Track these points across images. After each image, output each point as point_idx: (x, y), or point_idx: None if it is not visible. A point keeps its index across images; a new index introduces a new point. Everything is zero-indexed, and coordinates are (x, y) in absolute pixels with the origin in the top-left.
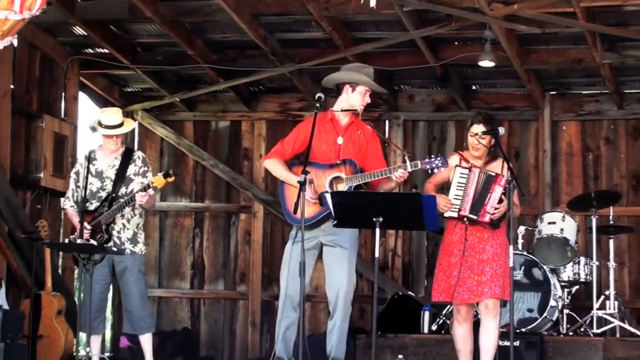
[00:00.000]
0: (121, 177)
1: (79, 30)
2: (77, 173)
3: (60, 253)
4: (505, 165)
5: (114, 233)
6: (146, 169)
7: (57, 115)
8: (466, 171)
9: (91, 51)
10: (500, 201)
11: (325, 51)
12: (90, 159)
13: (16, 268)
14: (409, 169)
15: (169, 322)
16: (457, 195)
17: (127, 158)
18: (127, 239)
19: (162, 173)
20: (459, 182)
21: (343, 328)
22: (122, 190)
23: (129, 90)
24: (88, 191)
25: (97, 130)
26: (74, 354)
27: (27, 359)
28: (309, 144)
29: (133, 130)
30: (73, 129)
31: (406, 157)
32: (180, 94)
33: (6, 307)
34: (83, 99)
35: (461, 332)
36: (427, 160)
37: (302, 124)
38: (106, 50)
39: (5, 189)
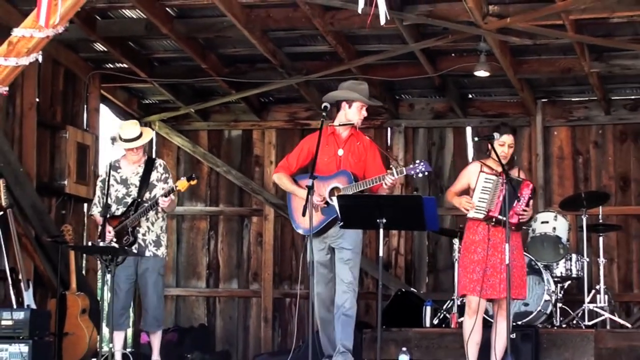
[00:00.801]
0: (145, 183)
1: (99, 47)
2: (103, 181)
3: (84, 255)
4: (522, 173)
5: (139, 236)
6: (167, 175)
7: (80, 127)
8: (492, 177)
9: (111, 66)
10: (527, 205)
11: (330, 63)
12: (114, 167)
13: (43, 270)
14: (396, 176)
15: (187, 319)
16: (483, 198)
17: (149, 166)
18: (152, 242)
19: (185, 177)
20: (484, 187)
21: (348, 319)
22: (147, 195)
23: (147, 102)
24: (114, 197)
25: (116, 141)
26: (98, 350)
27: (54, 356)
28: (315, 152)
29: (151, 140)
30: (95, 139)
31: (392, 165)
32: (195, 105)
33: (34, 306)
34: (104, 110)
35: (471, 324)
36: (411, 166)
37: (306, 139)
38: (125, 65)
39: (32, 196)
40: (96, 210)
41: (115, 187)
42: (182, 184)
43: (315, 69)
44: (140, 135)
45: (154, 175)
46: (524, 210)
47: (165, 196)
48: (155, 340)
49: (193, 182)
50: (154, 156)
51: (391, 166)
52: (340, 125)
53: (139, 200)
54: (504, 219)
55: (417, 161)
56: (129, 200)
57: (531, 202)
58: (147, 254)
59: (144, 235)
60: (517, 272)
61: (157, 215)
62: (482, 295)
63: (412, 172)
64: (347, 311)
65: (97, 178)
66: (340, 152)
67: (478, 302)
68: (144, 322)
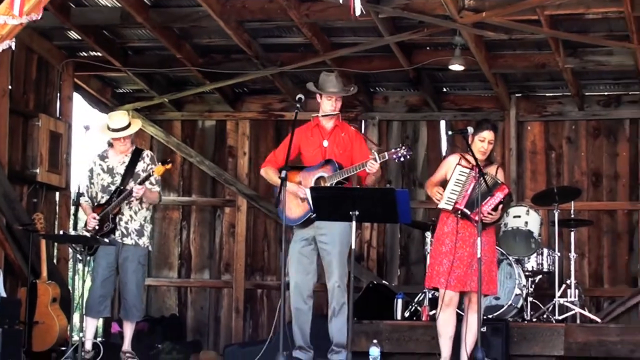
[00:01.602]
0: (130, 172)
1: (73, 35)
2: (91, 170)
3: (55, 244)
4: (500, 172)
5: (122, 223)
6: (154, 166)
7: (53, 115)
8: (467, 170)
9: (85, 54)
10: (496, 209)
11: (305, 55)
12: (102, 157)
13: (13, 258)
14: (379, 161)
15: (158, 309)
16: (454, 190)
17: (136, 156)
18: (134, 230)
19: (159, 163)
20: (457, 179)
21: (341, 315)
22: (130, 184)
23: (121, 91)
24: (100, 186)
25: (90, 129)
26: (68, 339)
27: (24, 344)
28: (289, 143)
29: None
30: (67, 127)
31: (374, 151)
32: (169, 95)
33: (4, 295)
34: (77, 99)
35: (444, 318)
36: (393, 150)
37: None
38: (99, 54)
39: (3, 184)
40: (83, 200)
41: (101, 176)
42: (158, 169)
43: (290, 61)
44: (129, 125)
45: (140, 166)
46: (489, 213)
47: (140, 183)
48: (128, 331)
49: (168, 166)
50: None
51: (373, 152)
52: (323, 116)
53: (122, 188)
54: (469, 213)
55: (399, 145)
56: (113, 188)
57: (500, 206)
58: (129, 241)
59: (126, 223)
60: (487, 267)
61: (141, 205)
62: (446, 287)
63: (395, 157)
64: (337, 310)
65: (69, 166)
66: (325, 143)
67: (451, 296)
68: (124, 311)
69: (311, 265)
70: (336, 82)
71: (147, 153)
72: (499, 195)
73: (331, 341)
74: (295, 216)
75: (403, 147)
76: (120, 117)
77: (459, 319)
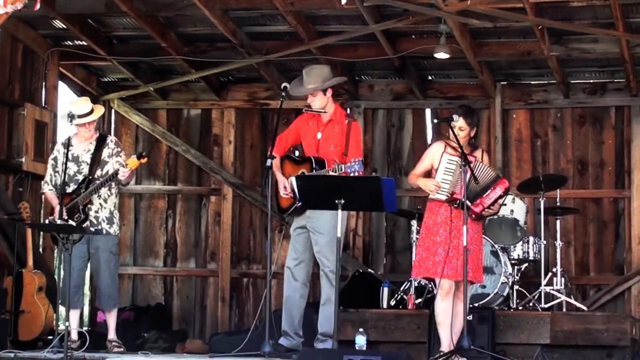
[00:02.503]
0: (96, 160)
1: (58, 24)
2: (55, 159)
3: (41, 233)
4: (485, 157)
5: (92, 213)
6: (119, 149)
7: (38, 104)
8: (455, 158)
9: (70, 43)
10: (494, 203)
11: (290, 44)
12: (67, 145)
13: None
14: (337, 173)
15: (144, 298)
16: (445, 180)
17: (100, 143)
18: (105, 219)
19: (135, 155)
20: (447, 168)
21: (329, 305)
22: (98, 172)
23: (106, 80)
24: (66, 175)
25: (72, 118)
26: (54, 328)
27: (10, 333)
28: (274, 130)
29: (109, 118)
30: (53, 116)
31: (332, 164)
32: (154, 83)
33: None
34: (63, 88)
35: (443, 307)
36: (348, 164)
37: (296, 121)
38: (84, 43)
39: None
40: (47, 188)
41: (67, 165)
42: (132, 162)
43: (275, 49)
44: (92, 111)
45: (105, 152)
46: (489, 207)
47: (113, 176)
48: (111, 320)
49: (143, 161)
50: (112, 134)
51: (332, 164)
52: (314, 110)
53: (90, 177)
54: (470, 204)
55: (354, 161)
56: (80, 177)
57: (500, 201)
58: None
59: (96, 212)
60: (476, 256)
61: (110, 191)
62: (442, 276)
63: (349, 170)
64: (324, 301)
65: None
66: (319, 135)
67: (451, 284)
68: (99, 301)
69: (304, 253)
70: (299, 83)
71: (111, 138)
72: (498, 190)
73: (319, 329)
74: (284, 206)
75: (357, 163)
76: (82, 104)
77: None
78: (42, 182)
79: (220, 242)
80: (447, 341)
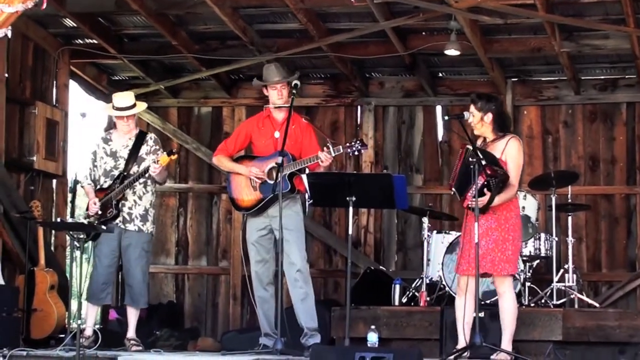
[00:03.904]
0: (133, 156)
1: (69, 22)
2: (94, 153)
3: (53, 231)
4: (511, 144)
5: (125, 209)
6: (157, 147)
7: (49, 102)
8: (460, 150)
9: (81, 42)
10: (481, 194)
11: (301, 41)
12: (105, 140)
13: (11, 246)
14: (333, 154)
15: (155, 296)
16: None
17: (140, 139)
18: (138, 216)
19: (165, 152)
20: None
21: (308, 299)
22: (134, 169)
23: (117, 78)
24: (102, 170)
25: (86, 116)
26: (66, 326)
27: (22, 332)
28: (286, 127)
29: None
30: (64, 115)
31: (329, 144)
32: (164, 81)
33: (2, 282)
34: (73, 86)
35: (458, 303)
36: (347, 145)
37: (244, 123)
38: (95, 41)
39: (0, 172)
40: (86, 182)
41: (105, 160)
42: (163, 159)
43: (286, 47)
44: (134, 106)
45: (143, 149)
46: (473, 197)
47: (143, 173)
48: (132, 318)
49: (174, 157)
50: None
51: (328, 145)
52: (275, 107)
53: (125, 173)
54: (459, 199)
55: (354, 140)
56: (116, 173)
57: (486, 190)
58: (132, 227)
59: (130, 209)
60: (494, 249)
61: (145, 189)
62: (458, 272)
63: (349, 150)
64: (303, 297)
65: (66, 154)
66: (277, 134)
67: (466, 281)
68: (129, 298)
69: (268, 253)
70: (277, 71)
71: (150, 136)
72: (479, 181)
73: (302, 327)
74: (247, 204)
75: (357, 142)
76: (126, 97)
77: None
78: (82, 176)
79: (231, 240)
80: (461, 337)
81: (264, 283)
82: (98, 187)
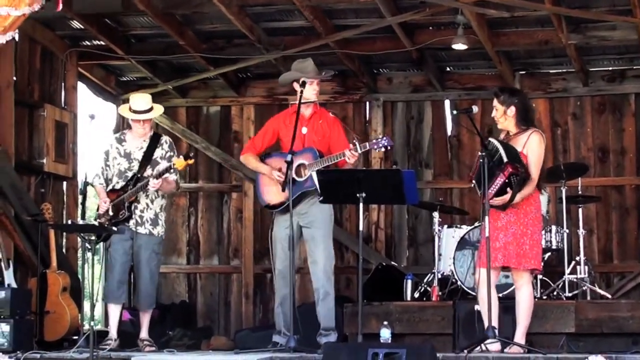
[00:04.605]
0: (147, 159)
1: (76, 24)
2: (107, 153)
3: (64, 234)
4: (532, 138)
5: (137, 212)
6: (172, 153)
7: (58, 105)
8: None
9: (88, 43)
10: (501, 192)
11: (308, 38)
12: (119, 140)
13: (23, 249)
14: (359, 151)
15: (168, 296)
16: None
17: (154, 142)
18: (149, 219)
19: (182, 155)
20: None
21: (328, 299)
22: (148, 171)
23: (125, 79)
24: (116, 170)
25: (95, 118)
26: (79, 327)
27: (36, 334)
28: (295, 127)
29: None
30: (73, 117)
31: (355, 141)
32: (172, 81)
33: (14, 285)
34: (82, 88)
35: (479, 294)
36: (374, 141)
37: (271, 120)
38: (102, 42)
39: (11, 175)
40: (97, 182)
41: (118, 160)
42: (180, 163)
43: (293, 44)
44: (151, 109)
45: (158, 152)
46: (494, 195)
47: (159, 175)
48: (145, 319)
49: (190, 162)
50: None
51: (355, 141)
52: (302, 103)
53: (139, 175)
54: (478, 192)
55: (380, 136)
56: (130, 175)
57: (508, 188)
58: (143, 231)
59: (142, 212)
60: (514, 242)
61: (157, 192)
62: (479, 265)
63: (375, 147)
64: (323, 296)
65: (76, 156)
66: (304, 130)
67: (484, 273)
68: (137, 300)
69: (293, 251)
70: (314, 66)
71: (165, 139)
72: (500, 179)
73: (320, 324)
74: (276, 202)
75: (384, 138)
76: (143, 99)
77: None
78: (94, 175)
79: (242, 239)
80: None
81: (287, 280)
82: (110, 187)
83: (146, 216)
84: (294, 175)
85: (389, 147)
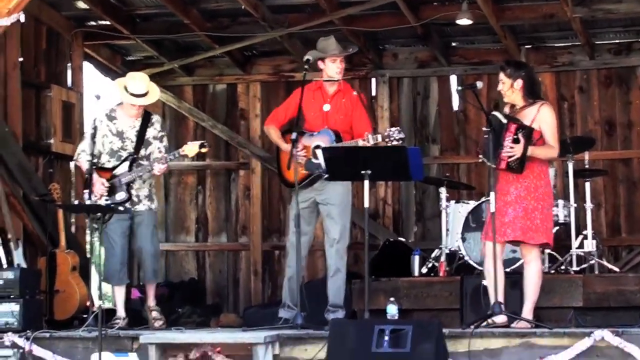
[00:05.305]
0: (141, 139)
1: (81, 4)
2: (95, 129)
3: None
4: (543, 111)
5: (132, 191)
6: (163, 133)
7: (64, 85)
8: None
9: (94, 23)
10: (516, 142)
11: (312, 15)
12: (110, 117)
13: (32, 229)
14: (371, 142)
15: (177, 273)
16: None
17: (146, 120)
18: (145, 196)
19: (198, 143)
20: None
21: (339, 276)
22: (142, 152)
23: (131, 58)
24: (108, 149)
25: (101, 98)
26: (89, 306)
27: (45, 313)
28: (299, 106)
29: None
30: (79, 97)
31: (367, 133)
32: (178, 60)
33: (24, 265)
34: (88, 68)
35: (485, 267)
36: (385, 133)
37: (293, 94)
38: (108, 22)
39: (19, 156)
40: (85, 157)
41: (110, 139)
42: (191, 150)
43: (298, 22)
44: (147, 93)
45: (150, 132)
46: (511, 148)
47: (163, 163)
48: (151, 290)
49: (204, 150)
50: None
51: (366, 133)
52: (325, 81)
53: (135, 156)
54: (494, 166)
55: (392, 129)
56: (124, 154)
57: (516, 145)
58: (142, 207)
59: (137, 190)
60: (525, 217)
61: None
62: (483, 238)
63: (387, 140)
64: (333, 273)
65: (83, 134)
66: (327, 107)
67: (490, 247)
68: (144, 275)
69: (309, 226)
70: (337, 44)
71: (156, 118)
72: (508, 137)
73: (329, 301)
74: (293, 179)
75: (396, 131)
76: (139, 83)
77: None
78: (80, 150)
79: (250, 216)
80: (492, 300)
81: (299, 255)
82: (100, 165)
83: (142, 194)
84: (311, 157)
85: (400, 141)
